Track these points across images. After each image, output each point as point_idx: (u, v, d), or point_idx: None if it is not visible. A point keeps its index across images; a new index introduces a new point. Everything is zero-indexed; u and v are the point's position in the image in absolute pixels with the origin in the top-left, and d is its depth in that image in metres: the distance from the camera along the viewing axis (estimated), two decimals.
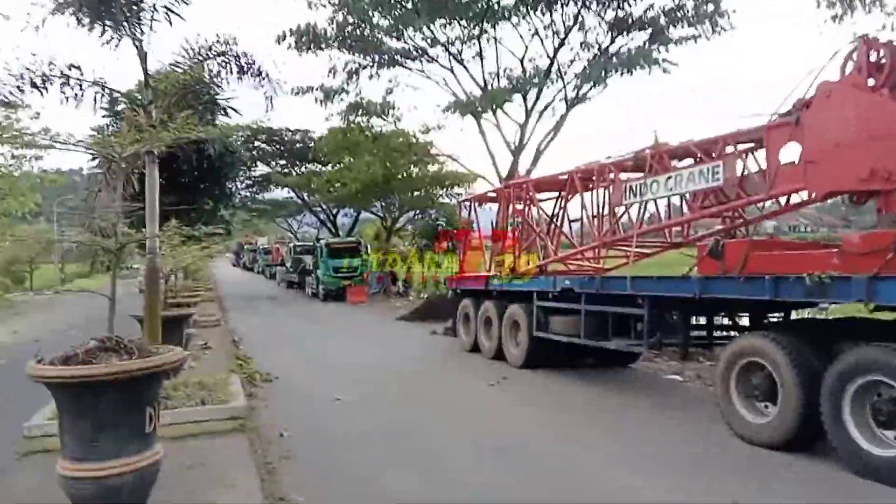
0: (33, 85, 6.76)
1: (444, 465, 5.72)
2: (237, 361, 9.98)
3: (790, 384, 5.69)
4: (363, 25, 20.44)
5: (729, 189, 7.16)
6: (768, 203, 7.30)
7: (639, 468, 5.53)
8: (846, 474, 5.18)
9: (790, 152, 6.52)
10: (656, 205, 8.52)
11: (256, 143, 34.49)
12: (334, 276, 26.12)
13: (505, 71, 21.17)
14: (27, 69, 6.70)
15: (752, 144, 7.11)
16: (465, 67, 21.03)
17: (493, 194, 12.92)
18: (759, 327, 7.42)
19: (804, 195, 6.62)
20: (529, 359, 10.26)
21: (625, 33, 19.65)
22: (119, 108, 12.96)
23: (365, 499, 4.98)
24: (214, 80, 7.67)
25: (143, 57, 7.08)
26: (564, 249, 10.49)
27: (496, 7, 19.22)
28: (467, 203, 14.09)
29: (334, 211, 37.06)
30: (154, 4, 7.00)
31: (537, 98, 20.57)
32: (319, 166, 33.27)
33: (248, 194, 39.82)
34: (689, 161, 7.82)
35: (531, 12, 19.38)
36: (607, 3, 18.90)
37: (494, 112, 20.41)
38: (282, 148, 36.04)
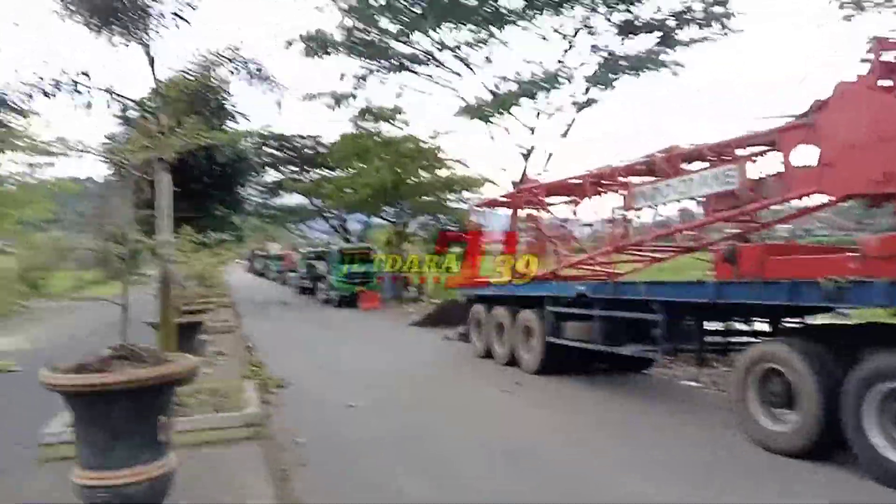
0: (44, 93, 6.81)
1: (457, 471, 5.69)
2: (251, 368, 9.99)
3: (810, 391, 5.61)
4: (371, 31, 20.54)
5: (742, 192, 7.10)
6: (784, 206, 7.23)
7: (651, 475, 5.47)
8: (865, 481, 5.10)
9: (804, 155, 6.46)
10: (669, 209, 8.47)
11: (267, 149, 34.66)
12: (347, 283, 26.12)
13: (514, 75, 21.24)
14: (38, 76, 6.74)
15: (765, 147, 7.04)
16: (472, 71, 21.09)
17: (505, 199, 12.89)
18: (777, 333, 7.33)
19: (820, 198, 6.55)
20: (542, 364, 10.19)
21: (633, 36, 19.63)
22: (128, 112, 13.06)
23: None
24: (222, 85, 7.70)
25: (151, 62, 7.13)
26: (576, 254, 10.44)
27: (504, 10, 19.26)
28: (479, 208, 14.04)
29: (346, 216, 37.13)
30: (161, 12, 7.05)
31: (546, 101, 20.60)
32: (330, 172, 33.37)
33: (259, 200, 40.00)
34: (702, 164, 7.76)
35: (538, 15, 19.41)
36: (615, 6, 18.89)
37: (502, 115, 20.43)
38: (293, 154, 36.19)
